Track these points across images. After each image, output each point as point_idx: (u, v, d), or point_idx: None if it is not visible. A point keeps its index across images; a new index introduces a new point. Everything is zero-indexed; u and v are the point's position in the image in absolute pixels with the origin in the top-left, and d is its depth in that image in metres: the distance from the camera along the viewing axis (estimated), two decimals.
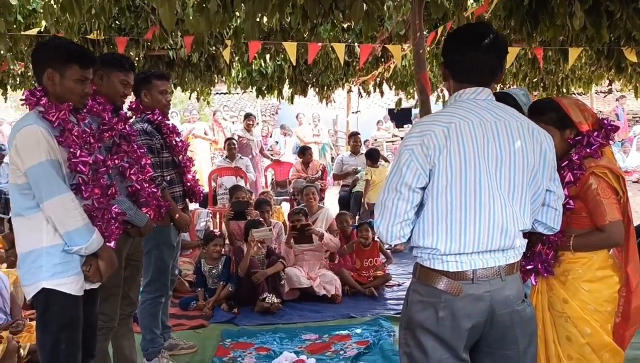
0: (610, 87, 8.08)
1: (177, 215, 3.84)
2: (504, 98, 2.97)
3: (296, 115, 13.46)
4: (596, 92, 15.26)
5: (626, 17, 4.11)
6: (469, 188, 1.94)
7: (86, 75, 2.70)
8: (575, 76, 6.97)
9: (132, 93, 3.56)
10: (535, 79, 6.99)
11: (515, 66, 6.46)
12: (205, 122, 13.08)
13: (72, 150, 2.64)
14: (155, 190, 3.42)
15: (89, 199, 2.70)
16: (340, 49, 4.91)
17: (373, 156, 7.91)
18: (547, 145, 2.09)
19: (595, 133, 2.54)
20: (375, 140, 15.99)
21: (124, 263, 3.30)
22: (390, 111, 17.19)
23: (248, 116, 10.12)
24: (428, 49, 5.58)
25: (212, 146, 12.32)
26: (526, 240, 2.12)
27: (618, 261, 2.61)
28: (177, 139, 4.03)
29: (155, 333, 3.94)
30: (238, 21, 4.49)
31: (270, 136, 14.54)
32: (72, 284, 2.62)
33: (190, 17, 3.57)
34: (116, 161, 3.15)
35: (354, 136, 9.05)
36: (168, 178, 3.84)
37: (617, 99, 15.65)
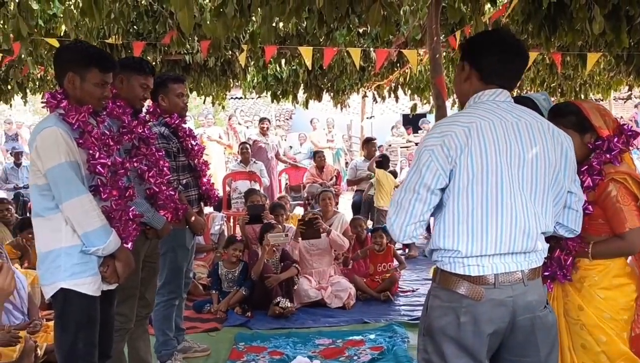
0: (629, 93, 8.00)
1: (193, 218, 3.85)
2: (524, 102, 2.95)
3: (310, 120, 13.47)
4: (615, 99, 15.06)
5: None
6: (490, 188, 1.93)
7: (106, 79, 2.73)
8: (593, 82, 6.91)
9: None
10: (553, 85, 6.95)
11: (533, 71, 6.42)
12: (220, 127, 13.15)
13: (91, 152, 2.68)
14: (173, 193, 3.44)
15: (107, 201, 2.74)
16: (356, 53, 4.92)
17: (382, 163, 7.90)
18: (568, 145, 2.09)
19: (616, 139, 2.52)
20: (390, 145, 15.97)
21: (141, 265, 3.33)
22: (405, 117, 17.15)
23: (262, 120, 10.15)
24: (445, 53, 5.58)
25: (227, 150, 12.37)
26: (548, 245, 2.10)
27: (636, 269, 2.58)
28: (193, 142, 4.05)
29: (168, 335, 3.95)
30: (254, 25, 4.52)
31: (285, 141, 14.55)
32: (89, 284, 2.65)
33: (208, 22, 3.59)
34: (135, 164, 3.19)
35: (369, 142, 9.02)
36: (184, 181, 3.86)
37: (635, 106, 15.45)
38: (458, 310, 1.96)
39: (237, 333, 4.77)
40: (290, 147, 14.10)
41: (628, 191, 2.45)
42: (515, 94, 7.93)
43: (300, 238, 5.70)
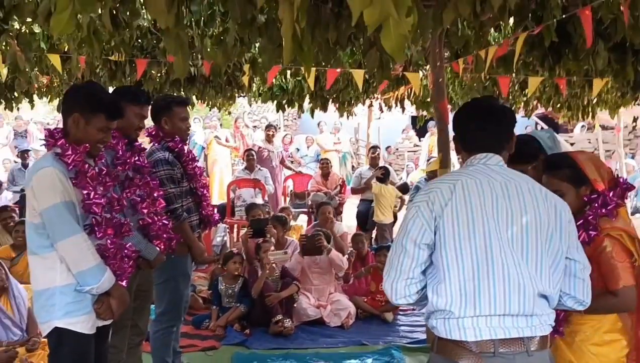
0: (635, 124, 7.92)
1: (194, 245, 3.85)
2: (529, 141, 2.91)
3: (318, 123, 13.42)
4: None
5: None
6: (478, 243, 1.89)
7: (110, 126, 2.78)
8: (601, 99, 6.82)
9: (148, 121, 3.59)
10: (559, 105, 6.88)
11: (539, 89, 6.35)
12: (227, 129, 13.15)
13: (85, 192, 2.69)
14: (166, 223, 3.43)
15: (103, 239, 2.75)
16: (359, 75, 4.88)
17: (383, 178, 7.86)
18: (562, 208, 2.04)
19: (612, 192, 2.49)
20: (397, 149, 15.92)
21: (133, 296, 3.34)
22: (414, 119, 17.05)
23: (269, 127, 10.15)
24: (448, 78, 5.54)
25: (233, 153, 12.38)
26: (554, 312, 2.02)
27: (629, 323, 2.54)
28: (195, 166, 4.03)
29: (167, 361, 3.95)
30: (256, 49, 4.49)
31: (291, 143, 14.50)
32: (83, 323, 2.68)
33: (208, 49, 3.58)
34: (128, 195, 3.20)
35: (372, 149, 9.01)
36: (186, 207, 3.84)
37: None
38: None
39: (234, 353, 4.77)
40: (297, 149, 14.11)
41: (623, 248, 2.41)
42: (522, 108, 7.86)
43: (300, 254, 5.71)
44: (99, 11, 2.50)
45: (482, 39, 4.17)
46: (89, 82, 3.33)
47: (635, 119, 6.91)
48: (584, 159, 2.55)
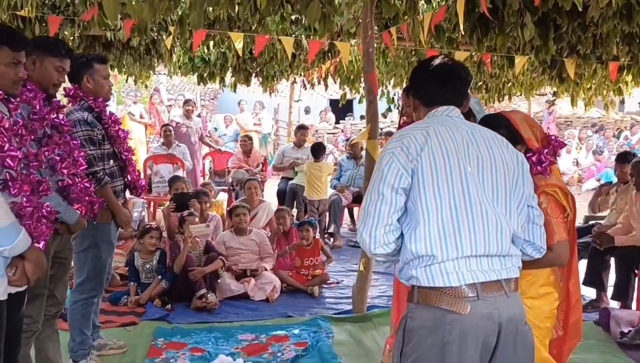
0: (552, 95, 8.36)
1: (118, 211, 3.64)
2: None
3: (238, 102, 13.13)
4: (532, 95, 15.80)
5: (571, 31, 4.20)
6: (456, 185, 1.91)
7: (18, 58, 2.53)
8: (517, 81, 7.11)
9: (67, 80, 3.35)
10: (480, 83, 7.10)
11: None
12: (143, 105, 12.62)
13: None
14: (88, 185, 3.21)
15: (18, 197, 2.51)
16: (288, 43, 4.75)
17: (316, 151, 7.85)
18: (523, 157, 2.14)
19: (545, 150, 2.56)
20: (317, 131, 15.94)
21: (50, 262, 3.10)
22: (333, 102, 17.15)
23: (187, 102, 9.83)
24: (376, 47, 5.55)
25: (148, 130, 11.90)
26: (520, 253, 2.09)
27: (558, 276, 2.64)
28: (118, 128, 3.81)
29: (86, 334, 3.72)
30: (183, 8, 4.28)
31: (209, 122, 14.17)
32: None
33: (133, 2, 3.35)
34: (46, 154, 2.95)
35: (301, 130, 8.91)
36: (109, 171, 3.63)
37: (546, 101, 16.16)
38: (441, 328, 1.86)
39: (156, 327, 4.57)
40: (215, 129, 13.79)
41: (557, 204, 2.50)
42: None
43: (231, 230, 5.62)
44: None
45: (413, 10, 4.19)
46: None
47: (555, 93, 7.31)
48: (518, 119, 2.62)
